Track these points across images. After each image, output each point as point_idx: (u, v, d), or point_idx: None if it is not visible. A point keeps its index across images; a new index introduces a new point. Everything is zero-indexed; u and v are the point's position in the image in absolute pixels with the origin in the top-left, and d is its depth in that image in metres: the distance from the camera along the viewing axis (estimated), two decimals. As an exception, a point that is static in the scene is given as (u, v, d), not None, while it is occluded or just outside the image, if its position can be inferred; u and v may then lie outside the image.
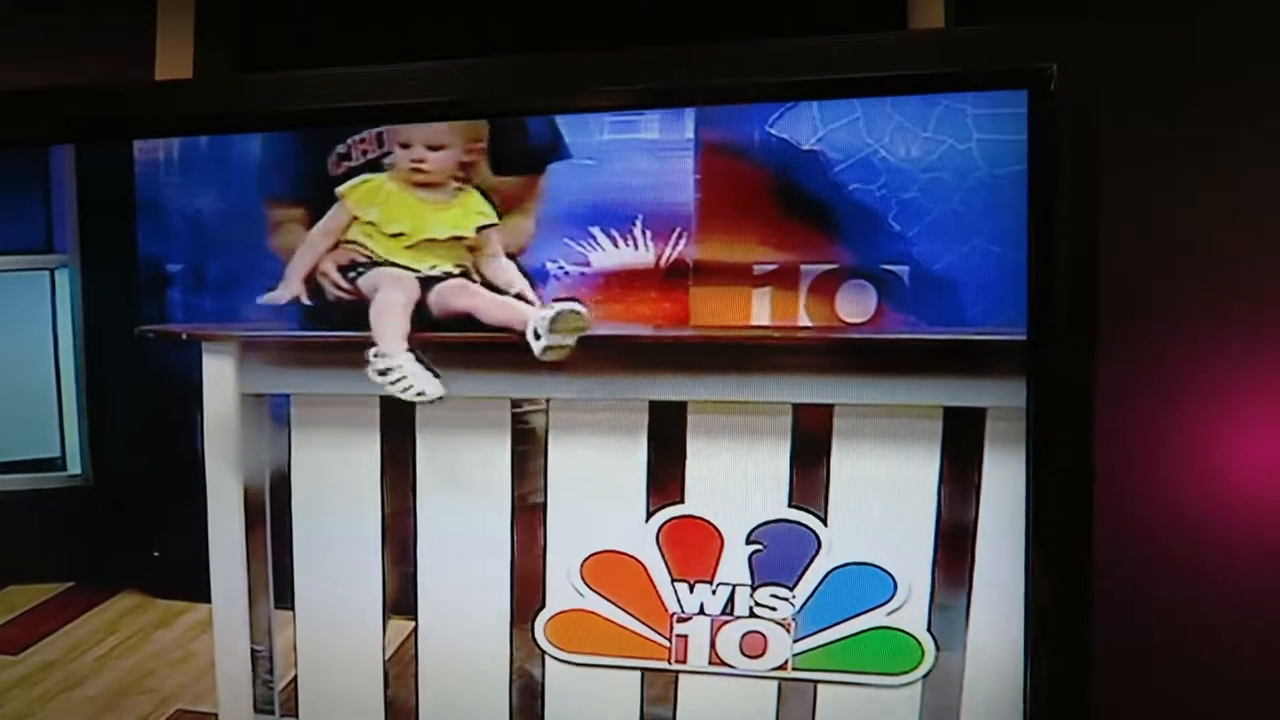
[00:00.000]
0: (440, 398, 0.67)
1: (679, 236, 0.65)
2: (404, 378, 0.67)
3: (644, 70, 0.65)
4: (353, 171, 0.68)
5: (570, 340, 0.65)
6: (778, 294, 0.64)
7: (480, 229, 0.67)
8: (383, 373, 0.67)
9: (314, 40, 0.87)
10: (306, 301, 0.68)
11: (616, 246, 0.65)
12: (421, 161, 0.67)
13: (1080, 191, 0.60)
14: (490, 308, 0.67)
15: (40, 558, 0.74)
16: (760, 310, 0.65)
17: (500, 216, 0.67)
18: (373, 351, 0.67)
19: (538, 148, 0.66)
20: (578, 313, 0.65)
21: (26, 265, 0.71)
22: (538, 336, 0.65)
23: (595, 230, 0.65)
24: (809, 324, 0.64)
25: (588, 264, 0.65)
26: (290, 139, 0.69)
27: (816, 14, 0.79)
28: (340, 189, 0.67)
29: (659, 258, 0.65)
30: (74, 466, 0.72)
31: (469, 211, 0.67)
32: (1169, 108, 0.76)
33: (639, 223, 0.65)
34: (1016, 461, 0.62)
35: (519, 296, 0.66)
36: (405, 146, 0.67)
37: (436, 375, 0.67)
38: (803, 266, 0.64)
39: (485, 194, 0.67)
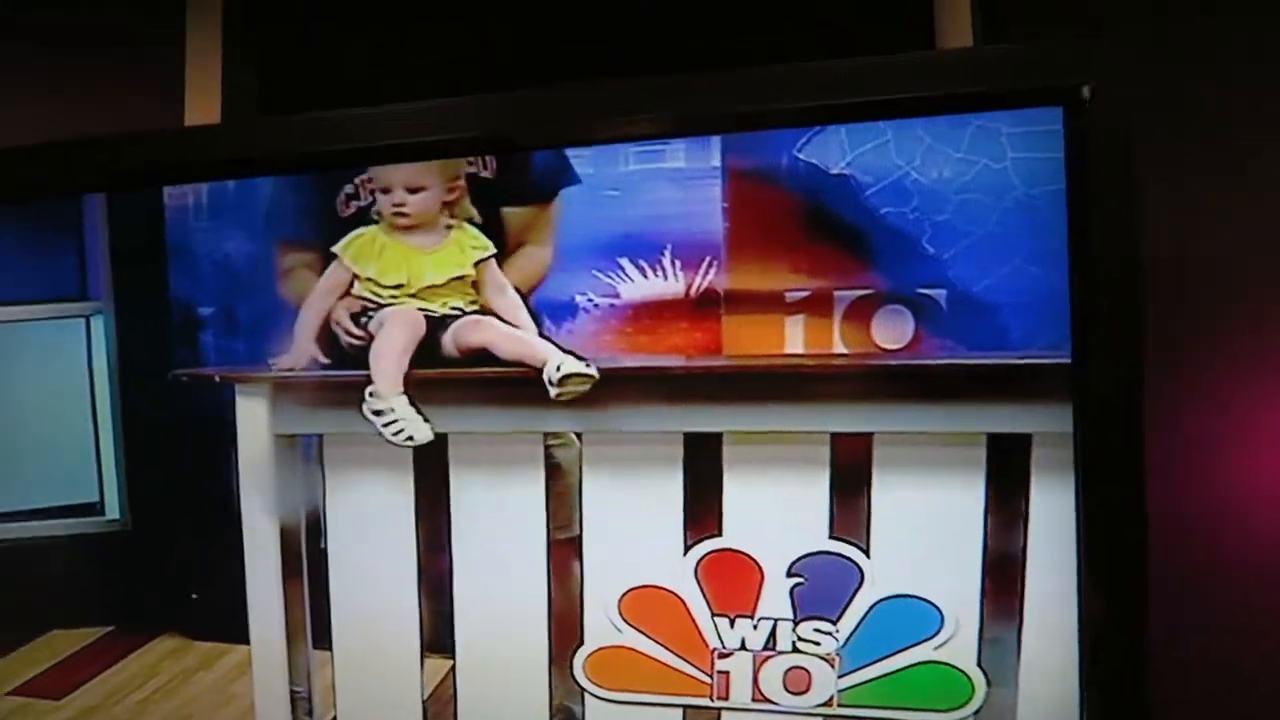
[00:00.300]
0: (427, 441, 0.67)
1: (709, 265, 0.64)
2: (395, 421, 0.67)
3: (668, 98, 0.64)
4: (362, 211, 0.68)
5: (583, 388, 0.65)
6: (811, 321, 0.63)
7: (478, 263, 0.67)
8: (377, 413, 0.67)
9: (338, 79, 0.87)
10: (323, 360, 0.68)
11: (645, 277, 0.64)
12: (402, 205, 0.67)
13: (1119, 209, 0.59)
14: (505, 342, 0.66)
15: (80, 602, 0.75)
16: (794, 338, 0.63)
17: (507, 248, 0.66)
18: (369, 390, 0.67)
19: (546, 174, 0.66)
20: (582, 375, 0.65)
21: (62, 313, 0.72)
22: (549, 384, 0.65)
23: (623, 261, 0.64)
24: (844, 351, 0.63)
25: (617, 295, 0.65)
26: (298, 182, 0.70)
27: (839, 35, 0.78)
28: (335, 248, 0.68)
29: (689, 287, 0.64)
30: (112, 511, 0.73)
31: (464, 248, 0.67)
32: (1205, 122, 0.74)
33: (667, 253, 0.64)
34: (1065, 488, 0.61)
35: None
36: (386, 192, 0.67)
37: (427, 420, 0.67)
38: (836, 293, 0.63)
39: (479, 227, 0.67)
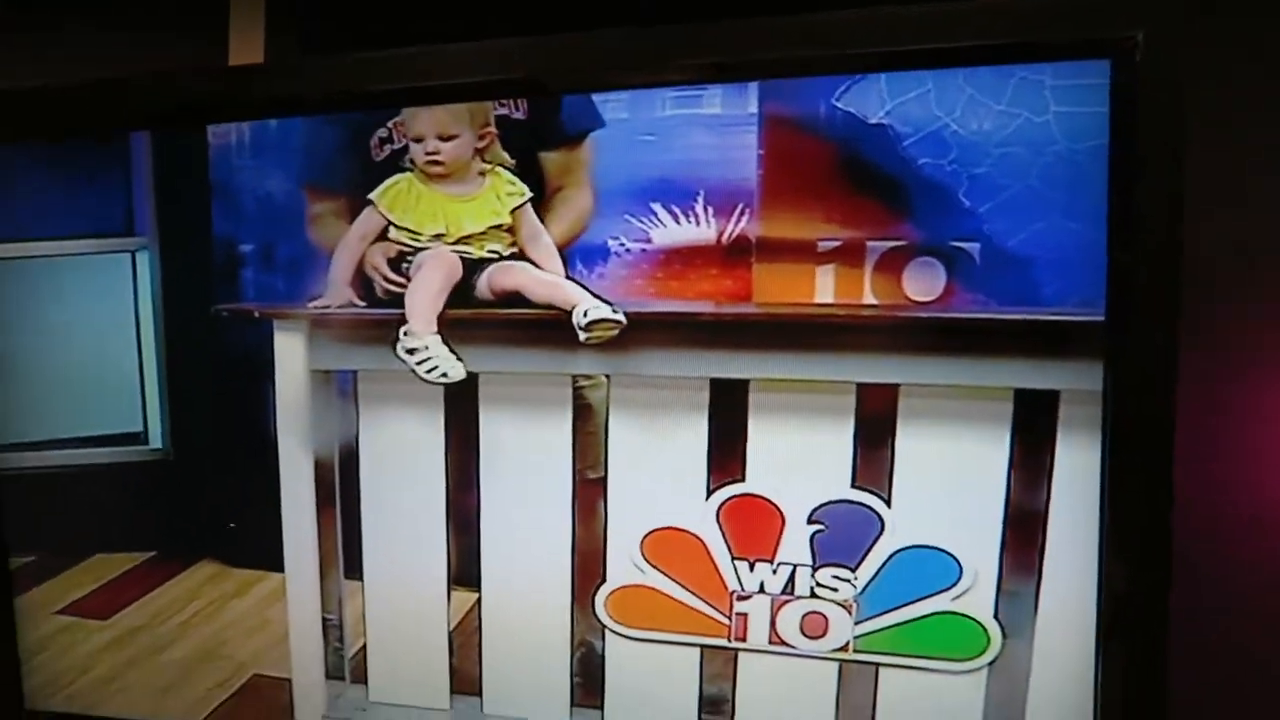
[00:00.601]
0: (460, 380, 0.68)
1: (742, 212, 0.64)
2: (429, 359, 0.68)
3: (709, 44, 0.64)
4: (395, 155, 0.69)
5: (612, 333, 0.65)
6: (842, 271, 0.63)
7: (514, 210, 0.67)
8: (410, 351, 0.68)
9: (382, 19, 0.88)
10: (358, 302, 0.70)
11: (678, 223, 0.65)
12: (435, 154, 0.67)
13: (1164, 167, 0.58)
14: (536, 286, 0.67)
15: (124, 528, 0.78)
16: (824, 288, 0.63)
17: (544, 191, 0.67)
18: (403, 330, 0.68)
19: (574, 116, 0.66)
20: (609, 320, 0.65)
21: (109, 248, 0.73)
22: (579, 328, 0.66)
23: (656, 206, 0.65)
24: (874, 302, 0.63)
25: (649, 240, 0.65)
26: (331, 124, 0.70)
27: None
28: (372, 195, 0.68)
29: (721, 234, 0.64)
30: (155, 441, 0.75)
31: (500, 195, 0.68)
32: (1261, 79, 0.72)
33: (701, 198, 0.64)
34: (1091, 447, 0.61)
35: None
36: (418, 140, 0.67)
37: (461, 360, 0.68)
38: (869, 243, 0.62)
39: (512, 170, 0.67)
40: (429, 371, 0.67)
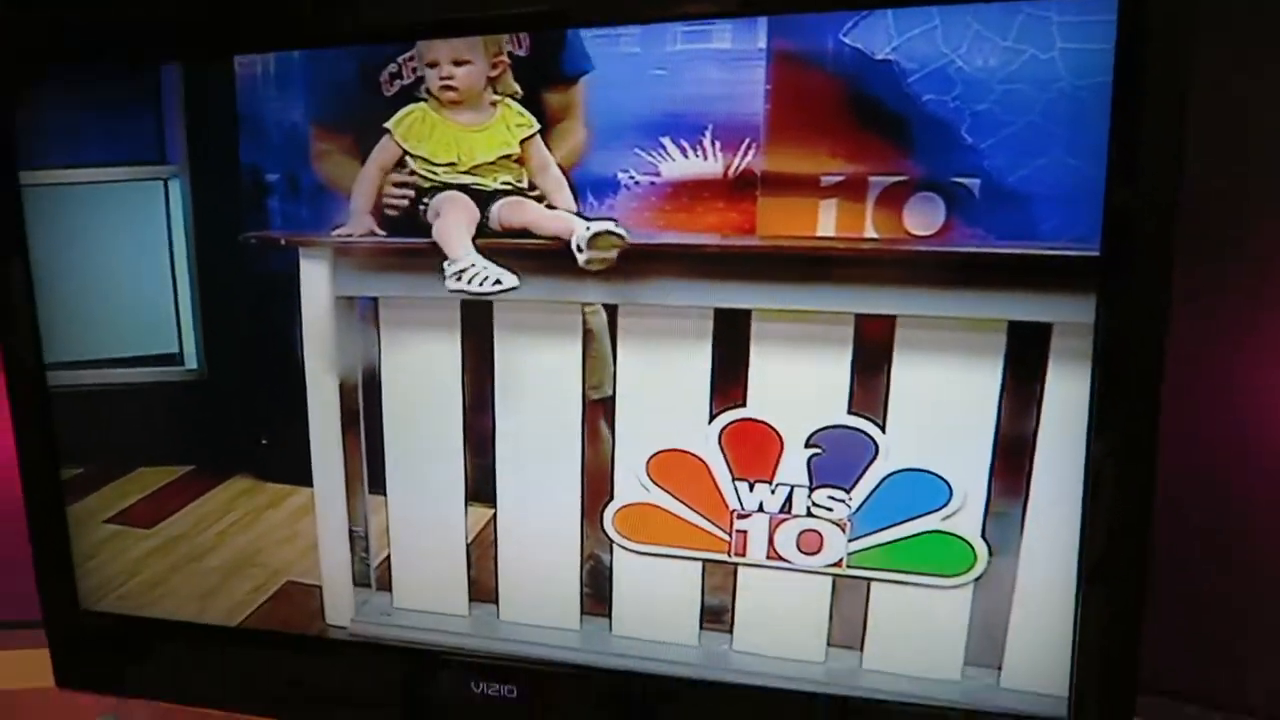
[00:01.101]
0: (515, 287, 0.70)
1: (748, 147, 0.65)
2: (479, 272, 0.70)
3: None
4: (405, 90, 0.70)
5: (611, 254, 0.68)
6: (845, 205, 0.65)
7: (523, 141, 0.69)
8: (459, 275, 0.71)
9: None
10: (379, 231, 0.72)
11: (686, 157, 0.67)
12: (450, 79, 0.69)
13: (1168, 107, 0.58)
14: (542, 220, 0.70)
15: (164, 443, 0.83)
16: (826, 221, 0.65)
17: (549, 123, 0.68)
18: (445, 263, 0.71)
19: (570, 57, 0.67)
20: (614, 234, 0.67)
21: (142, 175, 0.77)
22: (580, 250, 0.68)
23: (665, 140, 0.66)
24: (875, 236, 0.65)
25: (657, 174, 0.67)
26: (338, 61, 0.72)
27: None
28: (387, 124, 0.70)
29: (728, 168, 0.66)
30: (190, 362, 0.79)
31: (510, 126, 0.70)
32: (1274, 16, 0.72)
33: (709, 133, 0.66)
34: (1081, 378, 0.63)
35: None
36: (433, 66, 0.69)
37: (511, 271, 0.70)
38: (871, 178, 0.64)
39: (521, 101, 0.69)
40: (483, 283, 0.70)
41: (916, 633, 0.70)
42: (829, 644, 0.72)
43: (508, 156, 0.71)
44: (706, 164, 0.66)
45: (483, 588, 0.78)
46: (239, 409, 0.80)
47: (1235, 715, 0.80)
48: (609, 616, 0.76)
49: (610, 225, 0.67)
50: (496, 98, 0.70)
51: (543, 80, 0.69)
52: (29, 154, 0.77)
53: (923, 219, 0.64)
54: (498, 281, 0.70)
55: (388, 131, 0.71)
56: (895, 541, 0.69)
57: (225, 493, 0.82)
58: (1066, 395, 0.63)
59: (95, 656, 0.87)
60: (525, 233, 0.71)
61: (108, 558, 0.85)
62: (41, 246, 0.79)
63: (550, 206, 0.70)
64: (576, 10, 0.67)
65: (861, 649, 0.71)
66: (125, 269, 0.78)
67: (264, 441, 0.80)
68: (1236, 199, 0.75)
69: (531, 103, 0.69)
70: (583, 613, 0.76)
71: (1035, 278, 0.63)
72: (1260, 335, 0.76)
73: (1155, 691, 0.77)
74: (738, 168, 0.66)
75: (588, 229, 0.68)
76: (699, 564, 0.73)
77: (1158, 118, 0.58)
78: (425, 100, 0.70)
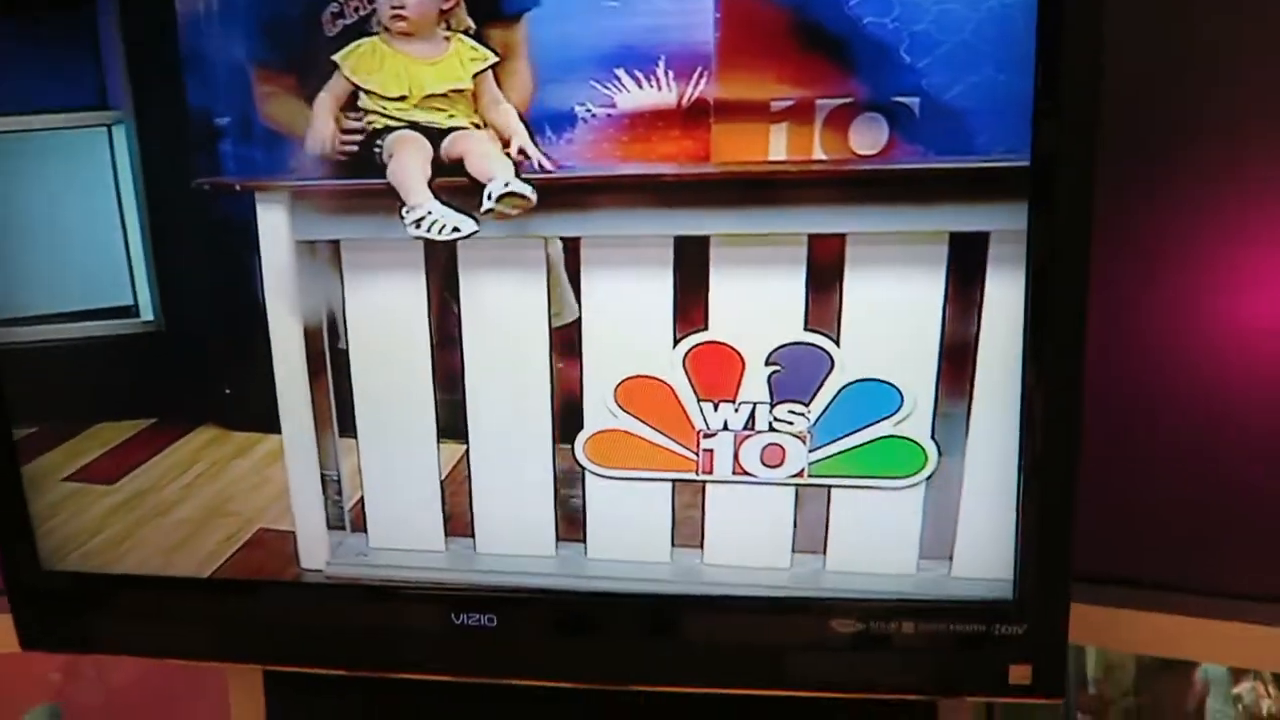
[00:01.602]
0: (474, 233, 0.71)
1: (700, 76, 0.68)
2: (435, 219, 0.71)
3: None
4: (348, 30, 0.70)
5: (513, 212, 0.70)
6: (794, 129, 0.68)
7: (476, 75, 0.70)
8: (417, 223, 0.72)
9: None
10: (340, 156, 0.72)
11: (641, 88, 0.68)
12: (401, 8, 0.69)
13: (1087, 21, 0.63)
14: (472, 157, 0.70)
15: (123, 398, 0.82)
16: (777, 146, 0.68)
17: (502, 58, 0.69)
18: (403, 209, 0.72)
19: None
20: (519, 194, 0.69)
21: (84, 122, 0.75)
22: (488, 199, 0.70)
23: (620, 72, 0.68)
24: (824, 157, 0.68)
25: (613, 105, 0.69)
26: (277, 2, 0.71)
27: None
28: (336, 56, 0.70)
29: (681, 97, 0.68)
30: (146, 313, 0.78)
31: (462, 60, 0.70)
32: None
33: (662, 63, 0.68)
34: (1017, 282, 0.68)
35: (520, 151, 0.70)
36: None
37: (468, 214, 0.71)
38: (818, 101, 0.67)
39: (476, 38, 0.69)
40: (440, 230, 0.71)
41: (874, 533, 0.75)
42: (794, 550, 0.76)
43: (459, 90, 0.71)
44: (661, 94, 0.68)
45: (459, 523, 0.80)
46: (200, 359, 0.80)
47: (1163, 592, 0.87)
48: (584, 541, 0.79)
49: (519, 186, 0.69)
50: (449, 33, 0.70)
51: (494, 15, 0.70)
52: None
53: (867, 139, 0.67)
54: (455, 229, 0.71)
55: (335, 65, 0.71)
56: (852, 449, 0.73)
57: (190, 444, 0.82)
58: (1004, 300, 0.68)
59: (60, 617, 0.86)
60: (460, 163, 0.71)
61: (68, 516, 0.84)
62: (-23, 202, 0.77)
63: (505, 142, 0.71)
64: None
65: (825, 553, 0.76)
66: (72, 221, 0.77)
67: (228, 390, 0.80)
68: (1170, 112, 0.80)
69: (484, 38, 0.70)
70: (558, 539, 0.79)
71: (972, 190, 0.67)
72: (1196, 239, 0.82)
73: (1090, 577, 0.83)
74: (691, 96, 0.68)
75: (505, 184, 0.69)
76: (669, 484, 0.76)
77: (1077, 31, 0.63)
78: (376, 34, 0.70)
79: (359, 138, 0.72)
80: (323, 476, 0.81)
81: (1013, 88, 0.64)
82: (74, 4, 0.72)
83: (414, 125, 0.72)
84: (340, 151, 0.72)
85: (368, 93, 0.71)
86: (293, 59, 0.71)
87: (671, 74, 0.68)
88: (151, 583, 0.84)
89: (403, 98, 0.71)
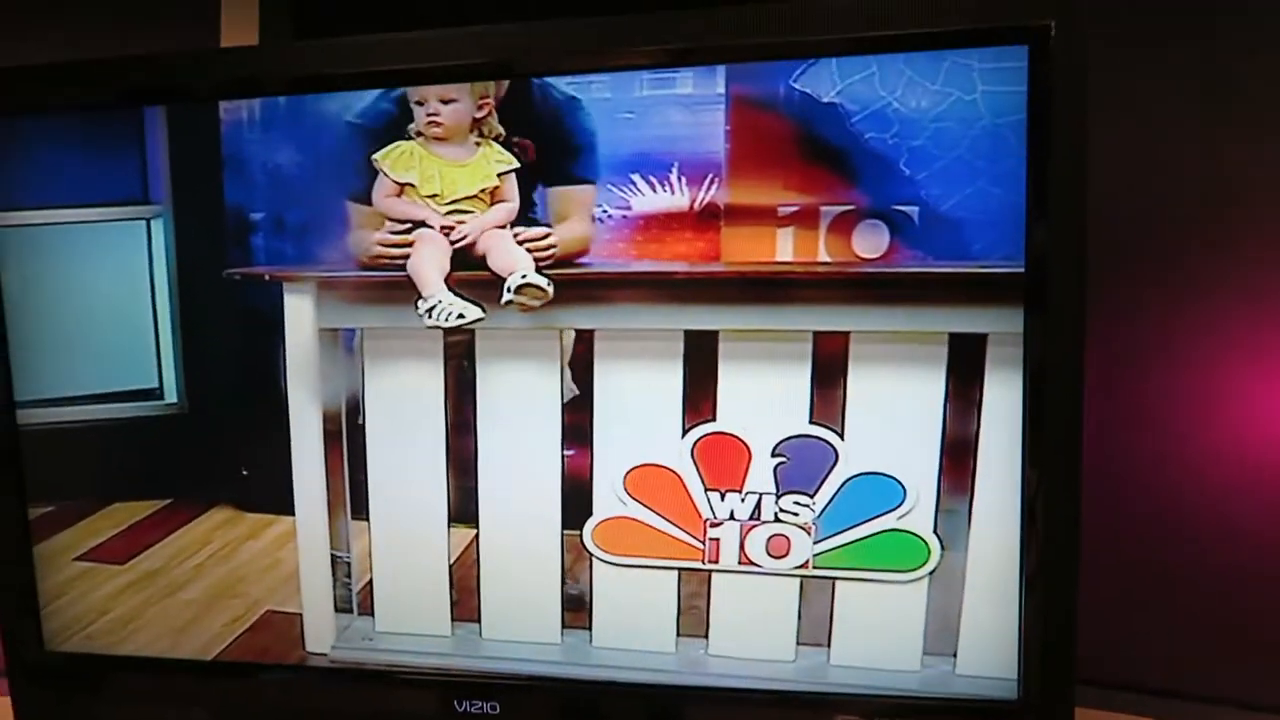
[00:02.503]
0: (478, 320, 0.74)
1: (711, 182, 0.72)
2: (440, 304, 0.74)
3: (673, 31, 0.71)
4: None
5: (534, 303, 0.73)
6: (800, 233, 0.72)
7: (501, 174, 0.74)
8: (429, 312, 0.75)
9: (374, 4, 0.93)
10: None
11: (655, 191, 0.72)
12: (436, 115, 0.74)
13: (1073, 139, 0.67)
14: (494, 253, 0.74)
15: (141, 478, 0.83)
16: (784, 248, 0.72)
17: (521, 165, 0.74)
18: (417, 301, 0.75)
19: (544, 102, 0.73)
20: (537, 286, 0.73)
21: (125, 215, 0.79)
22: (508, 291, 0.73)
23: (635, 177, 0.72)
24: (828, 260, 0.71)
25: (629, 207, 0.73)
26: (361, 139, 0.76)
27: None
28: (375, 156, 0.75)
29: (693, 201, 0.72)
30: (170, 396, 0.81)
31: (489, 161, 0.75)
32: (1155, 62, 0.82)
33: (675, 170, 0.72)
34: (1014, 381, 0.70)
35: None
36: (420, 104, 0.74)
37: (476, 304, 0.75)
38: (822, 208, 0.71)
39: (504, 145, 0.74)
40: (446, 318, 0.74)
41: (879, 627, 0.75)
42: (798, 643, 0.77)
43: (485, 190, 0.75)
44: (674, 198, 0.72)
45: (465, 607, 0.80)
46: (219, 441, 0.82)
47: (1166, 699, 0.87)
48: (590, 629, 0.79)
49: (536, 279, 0.73)
50: (480, 140, 0.74)
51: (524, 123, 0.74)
52: (6, 195, 0.79)
53: (869, 243, 0.71)
54: (460, 315, 0.75)
55: (374, 163, 0.75)
56: (856, 541, 0.74)
57: (204, 525, 0.83)
58: (1003, 398, 0.71)
59: (60, 698, 0.85)
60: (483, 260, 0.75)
61: (76, 596, 0.84)
62: (15, 285, 0.80)
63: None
64: (519, 63, 0.73)
65: (829, 646, 0.76)
66: (106, 306, 0.80)
67: (245, 472, 0.81)
68: (1156, 226, 0.84)
69: (510, 145, 0.74)
70: (564, 626, 0.79)
71: (970, 293, 0.70)
72: (1184, 344, 0.85)
73: (1095, 681, 0.84)
74: (702, 200, 0.72)
75: (523, 276, 0.73)
76: (675, 573, 0.77)
77: (1065, 149, 0.67)
78: (413, 139, 0.75)
79: (400, 244, 0.76)
80: (333, 558, 0.82)
81: (1006, 199, 0.68)
82: (123, 105, 0.77)
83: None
84: (378, 256, 0.76)
85: (405, 185, 0.75)
86: (330, 159, 0.76)
87: (684, 180, 0.72)
88: (155, 665, 0.84)
89: (434, 196, 0.75)
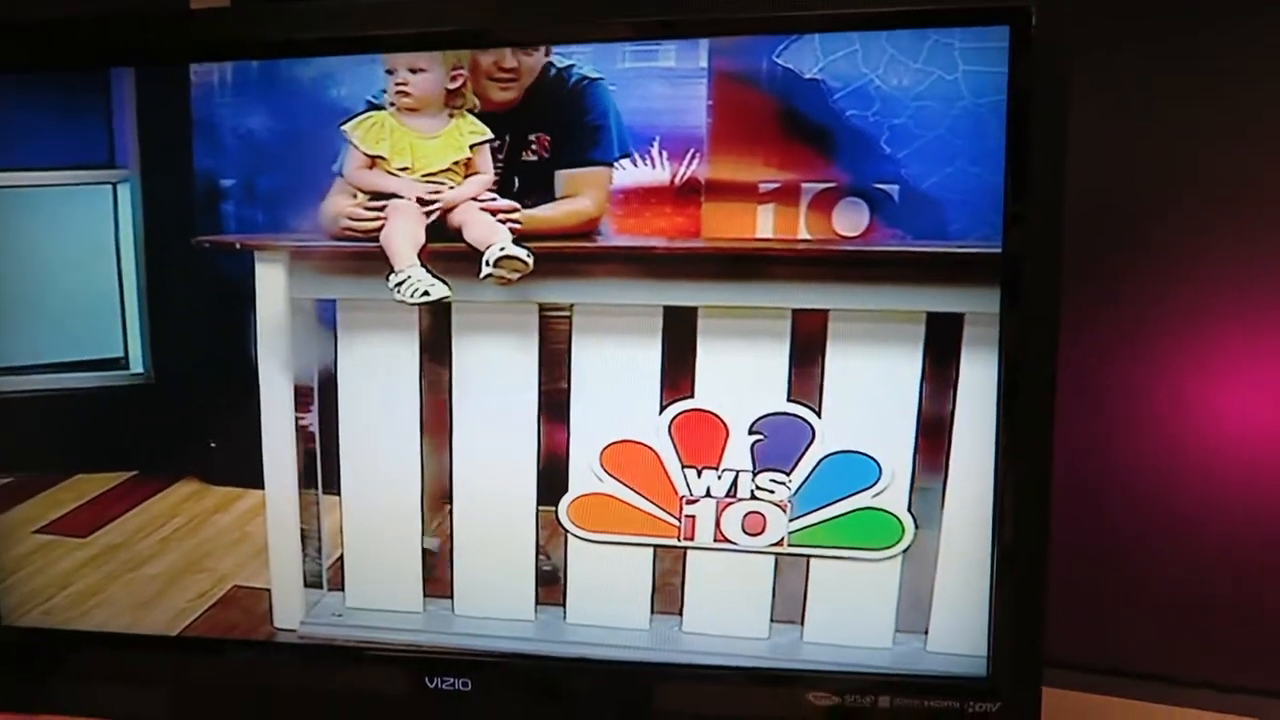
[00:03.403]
0: (444, 297, 0.73)
1: (692, 157, 0.71)
2: (408, 280, 0.73)
3: (652, 2, 0.71)
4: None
5: (512, 275, 0.72)
6: (780, 210, 0.71)
7: (474, 145, 0.73)
8: (397, 285, 0.74)
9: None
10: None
11: (636, 166, 0.72)
12: (405, 84, 0.72)
13: (1052, 119, 0.67)
14: (471, 225, 0.73)
15: (105, 449, 0.81)
16: (764, 225, 0.72)
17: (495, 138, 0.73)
18: (388, 274, 0.74)
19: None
20: (517, 258, 0.72)
21: (91, 179, 0.77)
22: (486, 264, 0.72)
23: (624, 146, 0.72)
24: (808, 237, 0.71)
25: (610, 181, 0.72)
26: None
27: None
28: (344, 126, 0.73)
29: (674, 176, 0.72)
30: (136, 366, 0.79)
31: (463, 133, 0.73)
32: (1138, 43, 0.83)
33: (656, 144, 0.71)
34: (990, 361, 0.71)
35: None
36: (390, 73, 0.73)
37: (443, 281, 0.74)
38: (803, 185, 0.71)
39: (480, 116, 0.73)
40: (412, 294, 0.73)
41: (852, 605, 0.76)
42: (772, 620, 0.77)
43: (458, 162, 0.74)
44: (655, 172, 0.72)
45: (438, 583, 0.80)
46: (187, 412, 0.80)
47: (1138, 681, 0.89)
48: (564, 605, 0.79)
49: (516, 250, 0.72)
50: (454, 111, 0.73)
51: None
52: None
53: (849, 221, 0.71)
54: (425, 293, 0.73)
55: (344, 134, 0.73)
56: (831, 519, 0.74)
57: (170, 498, 0.81)
58: (978, 378, 0.71)
59: (17, 675, 0.83)
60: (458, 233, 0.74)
61: (35, 570, 0.82)
62: (-26, 251, 0.78)
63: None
64: (493, 32, 0.72)
65: (802, 623, 0.76)
66: (70, 272, 0.78)
67: (213, 444, 0.80)
68: (1133, 216, 0.85)
69: (486, 116, 0.73)
70: (538, 603, 0.79)
71: (948, 273, 0.70)
72: (1160, 331, 0.86)
73: (1067, 664, 0.85)
74: (683, 176, 0.72)
75: (501, 249, 0.72)
76: (651, 550, 0.77)
77: (1044, 130, 0.67)
78: (385, 108, 0.73)
79: (370, 219, 0.74)
80: (303, 532, 0.80)
81: (985, 179, 0.69)
82: (89, 66, 0.74)
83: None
84: (346, 228, 0.74)
85: (376, 158, 0.74)
86: (304, 125, 0.74)
87: (666, 154, 0.72)
88: (117, 641, 0.82)
89: (405, 169, 0.74)
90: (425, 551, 0.78)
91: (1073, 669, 0.87)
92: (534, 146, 0.73)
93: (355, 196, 0.74)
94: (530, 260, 0.72)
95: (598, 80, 0.71)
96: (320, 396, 0.78)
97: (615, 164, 0.72)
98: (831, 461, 0.74)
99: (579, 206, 0.73)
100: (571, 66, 0.71)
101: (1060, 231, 0.68)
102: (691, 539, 0.76)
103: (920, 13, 0.68)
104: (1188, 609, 0.87)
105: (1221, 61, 0.82)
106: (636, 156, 0.72)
